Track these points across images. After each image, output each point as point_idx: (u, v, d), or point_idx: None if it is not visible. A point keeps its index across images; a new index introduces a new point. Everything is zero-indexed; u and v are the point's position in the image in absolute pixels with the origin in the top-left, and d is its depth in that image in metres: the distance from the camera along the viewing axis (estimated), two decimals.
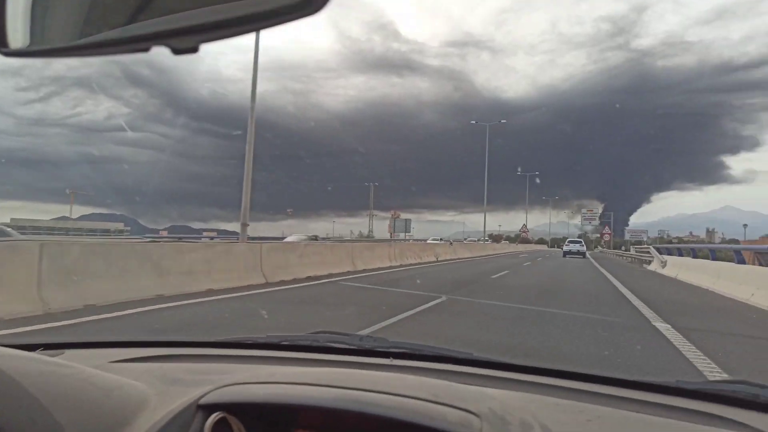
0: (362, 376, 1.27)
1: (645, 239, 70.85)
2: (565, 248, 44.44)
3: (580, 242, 46.54)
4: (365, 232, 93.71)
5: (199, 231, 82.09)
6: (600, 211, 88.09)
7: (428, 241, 40.13)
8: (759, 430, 1.15)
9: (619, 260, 39.28)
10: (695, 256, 15.84)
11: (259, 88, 15.50)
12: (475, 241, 60.29)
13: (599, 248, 79.77)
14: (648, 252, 28.68)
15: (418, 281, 12.93)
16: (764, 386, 1.34)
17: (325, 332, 1.81)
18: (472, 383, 1.33)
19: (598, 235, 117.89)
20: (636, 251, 39.59)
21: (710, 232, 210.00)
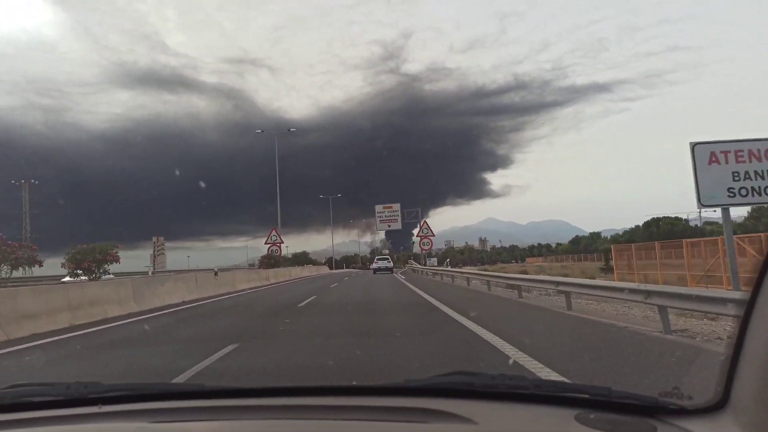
0: None
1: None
2: (374, 266, 47.10)
3: (387, 258, 49.60)
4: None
5: None
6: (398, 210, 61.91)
7: None
8: (466, 418, 1.25)
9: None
10: None
11: None
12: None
13: (410, 264, 58.85)
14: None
15: None
16: (476, 374, 1.50)
17: (21, 385, 1.59)
18: (197, 418, 1.35)
19: (404, 250, 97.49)
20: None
21: (482, 241, 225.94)
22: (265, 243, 37.07)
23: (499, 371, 1.78)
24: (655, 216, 55.82)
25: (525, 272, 29.01)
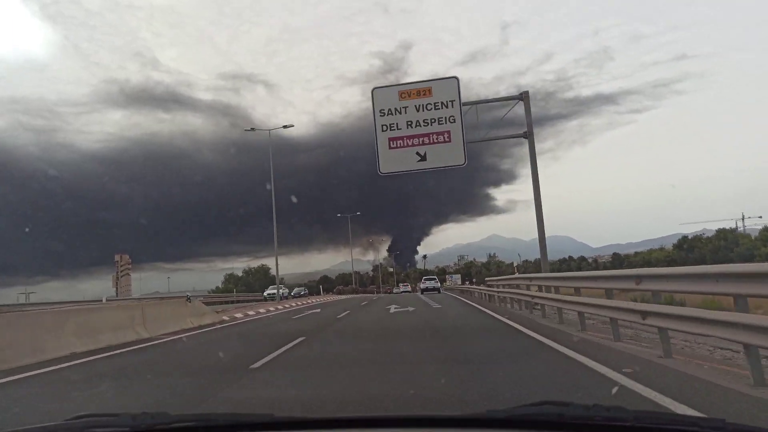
0: None
1: None
2: (421, 286, 49.96)
3: (435, 279, 52.79)
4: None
5: None
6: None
7: None
8: None
9: None
10: None
11: None
12: None
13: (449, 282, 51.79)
14: None
15: None
16: (568, 404, 1.36)
17: (87, 415, 1.53)
18: None
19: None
20: None
21: (491, 257, 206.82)
22: None
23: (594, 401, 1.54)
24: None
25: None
